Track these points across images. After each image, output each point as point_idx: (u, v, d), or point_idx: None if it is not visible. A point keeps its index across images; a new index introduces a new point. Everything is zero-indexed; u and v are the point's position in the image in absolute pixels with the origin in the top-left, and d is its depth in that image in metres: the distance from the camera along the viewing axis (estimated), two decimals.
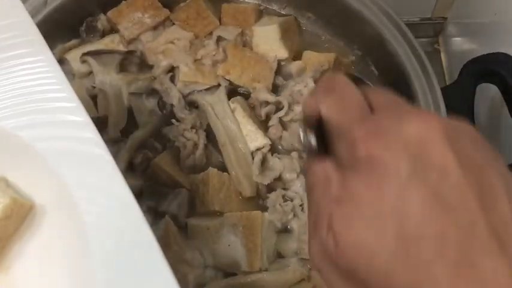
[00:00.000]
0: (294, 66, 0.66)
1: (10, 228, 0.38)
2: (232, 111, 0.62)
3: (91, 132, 0.38)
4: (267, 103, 0.63)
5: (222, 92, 0.63)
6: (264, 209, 0.59)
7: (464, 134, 0.28)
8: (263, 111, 0.63)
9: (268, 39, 0.67)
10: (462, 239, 0.25)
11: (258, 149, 0.61)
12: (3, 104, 0.40)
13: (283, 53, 0.66)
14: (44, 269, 0.38)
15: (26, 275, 0.38)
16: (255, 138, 0.61)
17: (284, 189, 0.60)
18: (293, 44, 0.68)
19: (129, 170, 0.60)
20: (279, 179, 0.60)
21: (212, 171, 0.59)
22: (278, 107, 0.64)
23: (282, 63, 0.67)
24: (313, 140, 0.32)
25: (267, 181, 0.59)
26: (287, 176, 0.60)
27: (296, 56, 0.68)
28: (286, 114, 0.63)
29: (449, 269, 0.25)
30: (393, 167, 0.27)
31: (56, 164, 0.38)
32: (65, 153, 0.38)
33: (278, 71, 0.66)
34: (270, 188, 0.60)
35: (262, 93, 0.63)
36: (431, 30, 0.84)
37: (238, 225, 0.56)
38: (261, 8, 0.72)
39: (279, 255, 0.58)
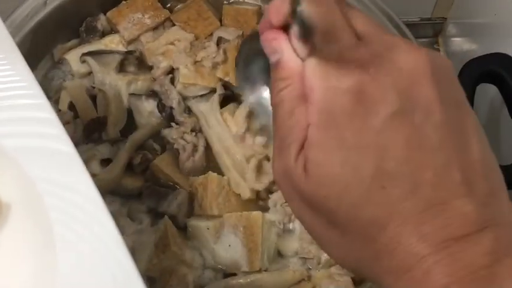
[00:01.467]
0: None
1: None
2: (224, 121, 0.62)
3: (57, 129, 0.38)
4: None
5: (215, 101, 0.63)
6: (265, 210, 0.59)
7: (446, 71, 0.29)
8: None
9: None
10: (436, 179, 0.26)
11: (253, 155, 0.61)
12: None
13: None
14: (9, 262, 0.38)
15: None
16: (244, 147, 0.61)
17: None
18: None
19: (128, 170, 0.60)
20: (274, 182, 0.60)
21: (211, 175, 0.59)
22: None
23: None
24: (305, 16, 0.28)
25: (262, 187, 0.59)
26: None
27: None
28: None
29: (419, 205, 0.26)
30: (382, 102, 0.27)
31: (22, 161, 0.37)
32: (31, 150, 0.38)
33: None
34: (270, 190, 0.60)
35: None
36: (431, 30, 0.84)
37: (239, 225, 0.56)
38: (262, 10, 0.72)
39: (279, 255, 0.58)
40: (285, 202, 0.58)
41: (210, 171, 0.59)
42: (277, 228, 0.58)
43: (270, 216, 0.58)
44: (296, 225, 0.58)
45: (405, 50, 0.28)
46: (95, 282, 0.34)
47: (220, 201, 0.58)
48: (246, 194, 0.59)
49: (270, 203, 0.59)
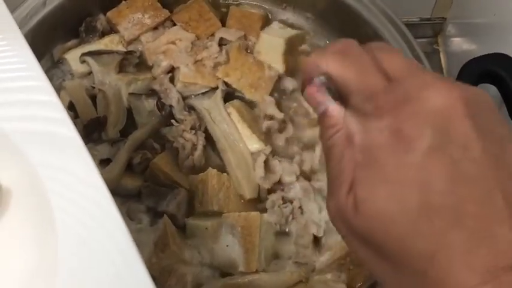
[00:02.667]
0: (290, 83, 0.66)
1: None
2: (229, 115, 0.62)
3: (58, 112, 0.37)
4: (271, 118, 0.63)
5: (218, 96, 0.63)
6: (263, 210, 0.59)
7: (484, 105, 0.29)
8: (265, 125, 0.63)
9: (271, 50, 0.67)
10: (479, 209, 0.27)
11: (260, 151, 0.61)
12: None
13: (280, 68, 0.66)
14: (11, 247, 0.37)
15: None
16: (249, 143, 0.61)
17: (283, 190, 0.60)
18: (293, 61, 0.68)
19: (128, 170, 0.60)
20: (278, 182, 0.60)
21: (211, 171, 0.59)
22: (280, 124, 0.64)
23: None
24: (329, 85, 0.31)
25: (268, 185, 0.59)
26: (286, 179, 0.60)
27: (292, 72, 0.67)
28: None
29: (464, 235, 0.27)
30: (418, 138, 0.28)
31: (22, 145, 0.37)
32: (31, 133, 0.37)
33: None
34: (270, 190, 0.60)
35: (271, 108, 0.63)
36: (430, 30, 0.84)
37: (237, 225, 0.56)
38: (262, 7, 0.72)
39: (276, 257, 0.58)
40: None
41: (210, 168, 0.59)
42: (275, 230, 0.58)
43: (267, 217, 0.57)
44: (292, 228, 0.58)
45: (437, 89, 0.28)
46: (95, 267, 0.34)
47: (220, 197, 0.58)
48: (248, 194, 0.59)
49: (268, 204, 0.58)
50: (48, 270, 0.34)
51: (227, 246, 0.56)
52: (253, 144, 0.61)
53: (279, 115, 0.63)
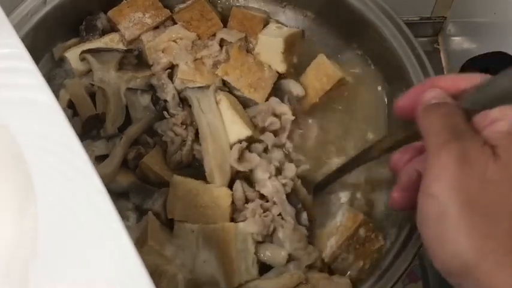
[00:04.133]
0: (293, 88, 0.66)
1: None
2: (217, 103, 0.61)
3: (35, 79, 0.37)
4: (279, 116, 0.62)
5: (211, 90, 0.62)
6: (232, 220, 0.57)
7: None
8: (269, 120, 0.62)
9: (270, 50, 0.66)
10: None
11: (237, 142, 0.60)
12: None
13: (281, 68, 0.66)
14: None
15: None
16: (236, 129, 0.60)
17: (261, 198, 0.58)
18: (294, 58, 0.68)
19: (124, 166, 0.60)
20: (250, 175, 0.59)
21: (176, 178, 0.57)
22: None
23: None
24: None
25: (241, 168, 0.58)
26: (259, 174, 0.58)
27: (294, 68, 0.67)
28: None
29: None
30: None
31: (1, 113, 0.36)
32: (10, 102, 0.37)
33: None
34: (246, 199, 0.58)
35: (282, 107, 0.62)
36: (430, 29, 0.84)
37: (213, 237, 0.54)
38: (261, 6, 0.72)
39: (264, 265, 0.56)
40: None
41: (175, 175, 0.58)
42: (256, 240, 0.56)
43: (247, 227, 0.55)
44: (280, 234, 0.56)
45: None
46: (76, 230, 0.34)
47: (184, 206, 0.57)
48: (217, 181, 0.58)
49: (249, 213, 0.56)
50: (29, 235, 0.34)
51: (204, 262, 0.54)
52: (240, 128, 0.60)
53: (290, 116, 0.62)
